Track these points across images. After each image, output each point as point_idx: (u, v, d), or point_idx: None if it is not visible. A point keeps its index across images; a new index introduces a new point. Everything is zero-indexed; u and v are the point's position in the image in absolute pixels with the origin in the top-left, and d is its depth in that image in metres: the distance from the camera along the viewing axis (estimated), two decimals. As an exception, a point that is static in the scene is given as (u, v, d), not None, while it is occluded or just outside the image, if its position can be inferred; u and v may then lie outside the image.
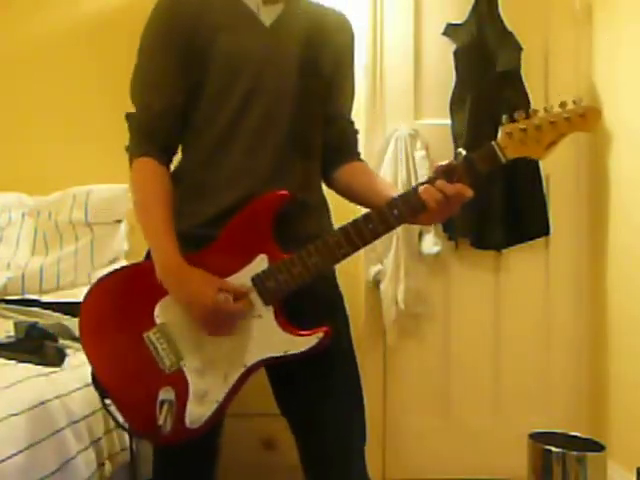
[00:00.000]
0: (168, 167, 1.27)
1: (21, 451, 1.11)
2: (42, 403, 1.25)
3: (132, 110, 1.28)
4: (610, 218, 2.39)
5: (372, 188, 1.30)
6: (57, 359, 1.49)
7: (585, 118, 1.11)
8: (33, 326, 1.59)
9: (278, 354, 1.16)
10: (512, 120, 1.12)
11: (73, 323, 1.79)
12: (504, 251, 2.51)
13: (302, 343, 1.15)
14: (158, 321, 1.19)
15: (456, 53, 2.46)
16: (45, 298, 2.13)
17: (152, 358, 1.18)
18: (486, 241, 2.44)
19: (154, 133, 1.24)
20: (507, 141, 1.12)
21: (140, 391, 1.19)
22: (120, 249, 2.42)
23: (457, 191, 1.11)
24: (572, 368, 2.52)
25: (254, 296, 1.17)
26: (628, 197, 2.27)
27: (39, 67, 2.63)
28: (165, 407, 1.15)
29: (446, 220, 1.16)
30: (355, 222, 1.15)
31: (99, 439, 1.41)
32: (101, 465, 1.41)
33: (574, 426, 2.31)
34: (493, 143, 1.12)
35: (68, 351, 1.58)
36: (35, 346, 1.51)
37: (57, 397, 1.30)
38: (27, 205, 2.47)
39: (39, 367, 1.40)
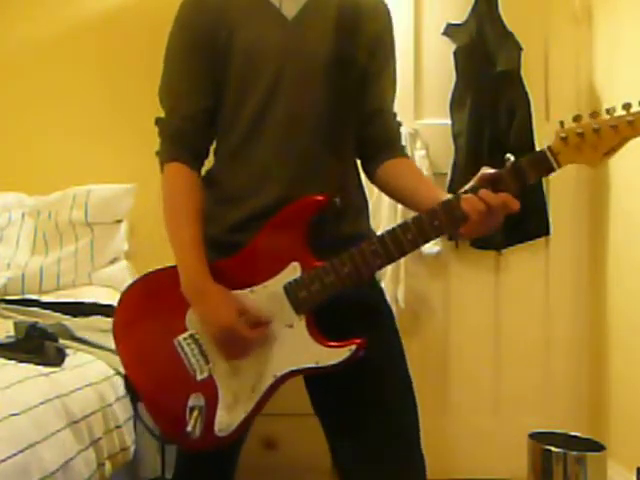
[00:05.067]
0: (199, 172, 1.25)
1: (21, 451, 1.10)
2: (42, 403, 1.24)
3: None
4: (610, 218, 2.39)
5: (416, 189, 1.22)
6: (57, 359, 1.49)
7: None
8: (33, 326, 1.59)
9: (309, 365, 1.12)
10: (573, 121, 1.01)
11: (73, 323, 1.79)
12: (504, 251, 2.51)
13: (334, 355, 1.11)
14: (189, 327, 1.18)
15: (456, 53, 2.46)
16: (45, 298, 2.12)
17: (183, 363, 1.17)
18: (486, 241, 2.44)
19: (183, 137, 1.23)
20: (561, 147, 1.01)
21: (171, 395, 1.17)
22: (120, 249, 2.42)
23: (502, 202, 1.03)
24: (572, 368, 2.52)
25: (286, 305, 1.13)
26: (628, 197, 2.27)
27: (39, 67, 2.63)
28: (195, 413, 1.14)
29: (489, 233, 1.08)
30: (393, 231, 1.08)
31: (99, 439, 1.40)
32: (101, 465, 1.40)
33: (574, 426, 2.31)
34: (545, 149, 1.02)
35: (68, 351, 1.58)
36: (35, 346, 1.50)
37: (57, 397, 1.30)
38: (27, 205, 2.47)
39: (39, 367, 1.39)
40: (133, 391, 1.22)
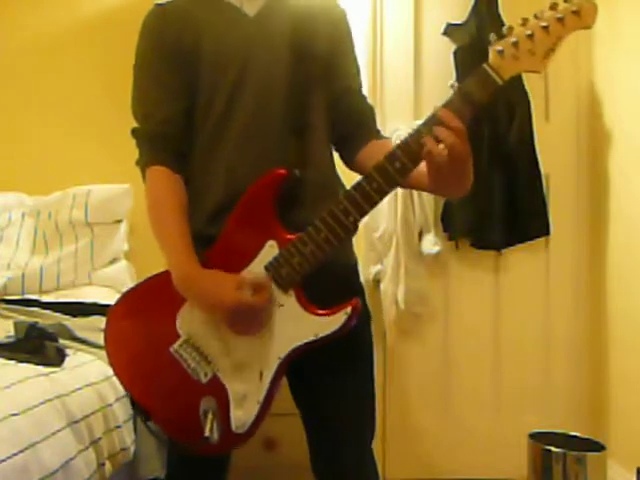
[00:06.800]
0: (181, 173, 1.24)
1: (21, 451, 1.10)
2: (42, 403, 1.25)
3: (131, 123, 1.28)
4: (610, 218, 2.39)
5: None
6: (57, 359, 1.49)
7: (579, 15, 0.97)
8: (33, 326, 1.59)
9: (309, 339, 1.10)
10: (501, 37, 1.01)
11: (73, 323, 1.79)
12: (504, 251, 2.51)
13: (331, 323, 1.09)
14: (181, 332, 1.17)
15: (456, 53, 2.46)
16: (45, 298, 2.13)
17: (185, 370, 1.16)
18: (486, 241, 2.45)
19: (165, 141, 1.23)
20: (499, 60, 1.01)
21: (182, 406, 1.16)
22: (120, 249, 2.42)
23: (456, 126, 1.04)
24: (572, 368, 2.52)
25: (271, 286, 1.12)
26: (628, 197, 2.27)
27: (39, 67, 2.63)
28: (209, 417, 1.12)
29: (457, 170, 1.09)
30: (358, 185, 1.07)
31: (99, 439, 1.40)
32: (101, 465, 1.40)
33: (574, 426, 2.32)
34: (484, 65, 1.02)
35: (68, 351, 1.58)
36: (35, 346, 1.51)
37: (57, 397, 1.30)
38: (27, 205, 2.47)
39: (39, 367, 1.39)
40: (142, 411, 1.20)
